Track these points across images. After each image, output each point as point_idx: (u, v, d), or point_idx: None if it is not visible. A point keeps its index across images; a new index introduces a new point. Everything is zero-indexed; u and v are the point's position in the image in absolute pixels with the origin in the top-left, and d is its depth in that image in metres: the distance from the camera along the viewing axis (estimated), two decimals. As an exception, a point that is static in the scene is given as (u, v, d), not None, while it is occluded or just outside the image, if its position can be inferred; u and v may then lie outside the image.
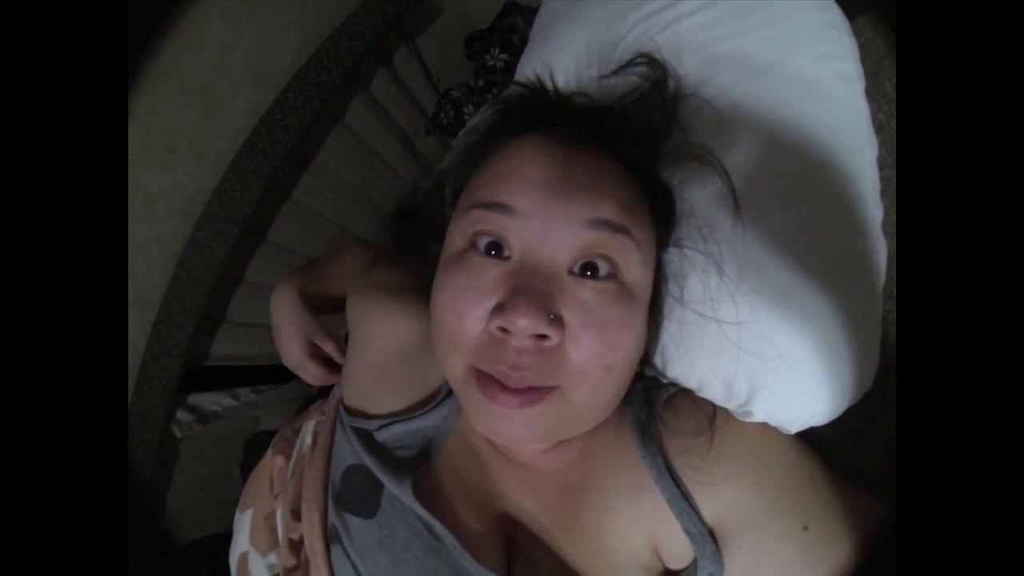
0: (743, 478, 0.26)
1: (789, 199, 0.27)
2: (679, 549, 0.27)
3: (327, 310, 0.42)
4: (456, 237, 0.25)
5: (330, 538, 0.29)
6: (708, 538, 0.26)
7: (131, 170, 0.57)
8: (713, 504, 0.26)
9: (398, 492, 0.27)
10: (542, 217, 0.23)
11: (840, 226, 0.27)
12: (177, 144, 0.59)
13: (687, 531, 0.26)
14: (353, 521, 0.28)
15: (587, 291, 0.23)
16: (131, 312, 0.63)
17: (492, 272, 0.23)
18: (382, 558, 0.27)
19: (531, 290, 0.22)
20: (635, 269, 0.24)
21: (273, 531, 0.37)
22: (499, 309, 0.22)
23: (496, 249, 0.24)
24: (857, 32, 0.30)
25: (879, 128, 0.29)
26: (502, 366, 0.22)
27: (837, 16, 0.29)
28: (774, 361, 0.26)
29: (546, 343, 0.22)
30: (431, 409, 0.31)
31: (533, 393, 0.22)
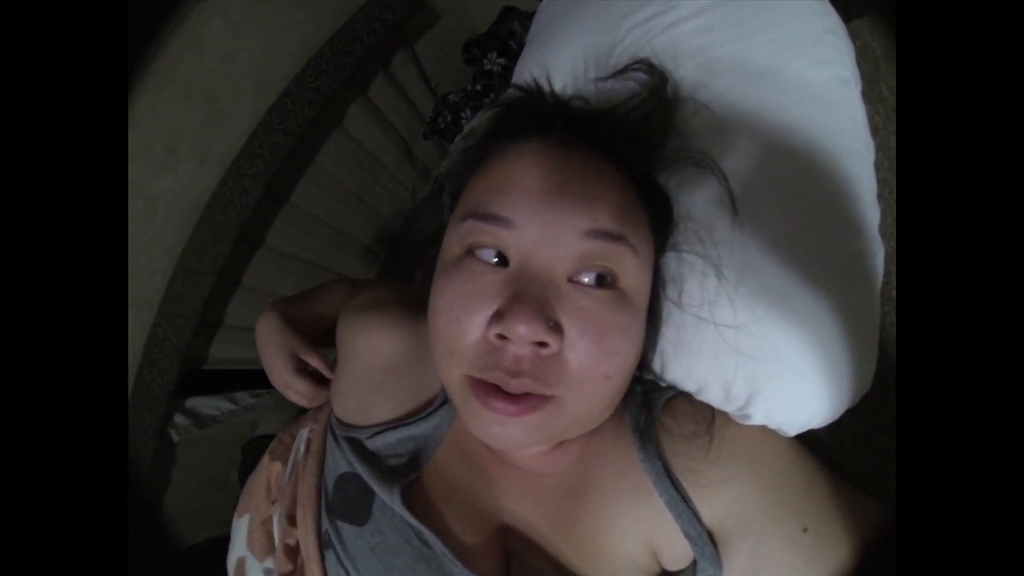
0: (742, 481, 0.26)
1: (786, 202, 0.27)
2: (678, 551, 0.26)
3: (309, 336, 0.43)
4: (454, 244, 0.25)
5: (324, 544, 0.29)
6: (707, 540, 0.26)
7: (133, 172, 0.57)
8: (712, 506, 0.26)
9: (388, 500, 0.27)
10: (539, 228, 0.23)
11: (837, 228, 0.27)
12: (179, 147, 0.59)
13: (686, 533, 0.26)
14: (345, 528, 0.28)
15: (586, 299, 0.23)
16: (130, 314, 0.63)
17: (490, 279, 0.23)
18: (374, 565, 0.27)
19: (530, 297, 0.22)
20: (633, 276, 0.24)
21: (270, 536, 0.37)
22: (498, 316, 0.22)
23: (494, 256, 0.24)
24: (854, 35, 0.30)
25: (875, 131, 0.29)
26: (500, 373, 0.22)
27: (834, 20, 0.29)
28: (773, 363, 0.26)
29: (545, 351, 0.22)
30: (423, 418, 0.31)
31: (530, 401, 0.22)
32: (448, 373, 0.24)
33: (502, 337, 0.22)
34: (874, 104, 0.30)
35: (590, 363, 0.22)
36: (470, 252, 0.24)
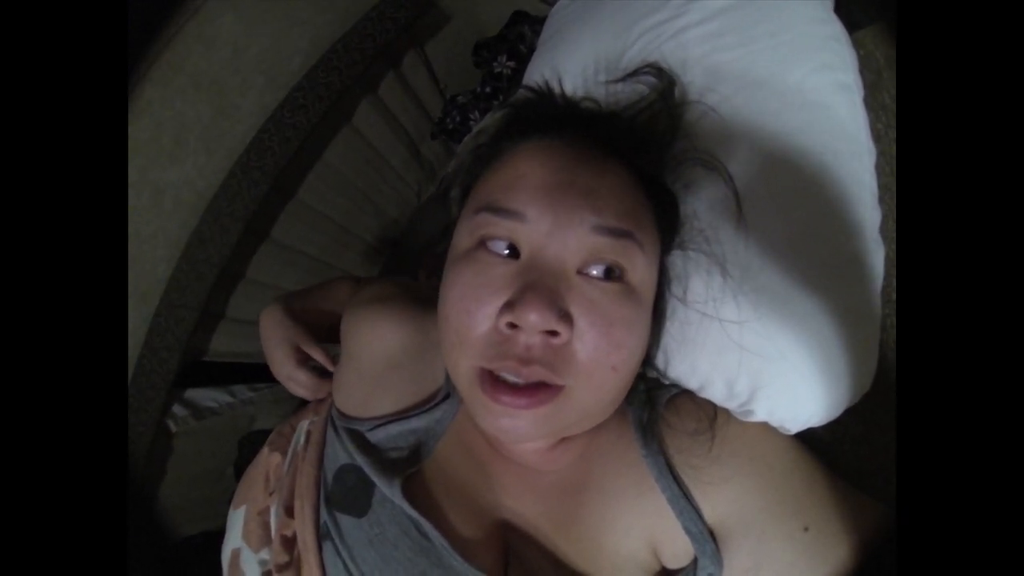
0: (744, 479, 0.26)
1: (789, 203, 0.28)
2: (678, 549, 0.26)
3: (313, 331, 0.43)
4: (464, 237, 0.25)
5: (322, 535, 0.29)
6: (708, 537, 0.26)
7: (140, 163, 0.57)
8: (714, 504, 0.26)
9: (388, 491, 0.28)
10: (550, 222, 0.23)
11: (838, 229, 0.28)
12: (187, 139, 0.60)
13: (688, 530, 0.26)
14: (344, 519, 0.28)
15: (595, 291, 0.23)
16: (132, 304, 0.63)
17: (501, 270, 0.23)
18: (372, 556, 0.27)
19: (541, 286, 0.22)
20: (640, 272, 0.24)
21: (266, 527, 0.37)
22: (508, 306, 0.22)
23: (505, 248, 0.24)
24: (857, 46, 0.30)
25: (877, 138, 0.30)
26: (510, 362, 0.22)
27: (838, 29, 0.30)
28: (776, 360, 0.26)
29: (555, 340, 0.22)
30: (425, 411, 0.31)
31: (540, 394, 0.22)
32: (458, 365, 0.24)
33: (512, 326, 0.22)
34: (876, 112, 0.30)
35: (598, 354, 0.23)
36: (481, 244, 0.24)
